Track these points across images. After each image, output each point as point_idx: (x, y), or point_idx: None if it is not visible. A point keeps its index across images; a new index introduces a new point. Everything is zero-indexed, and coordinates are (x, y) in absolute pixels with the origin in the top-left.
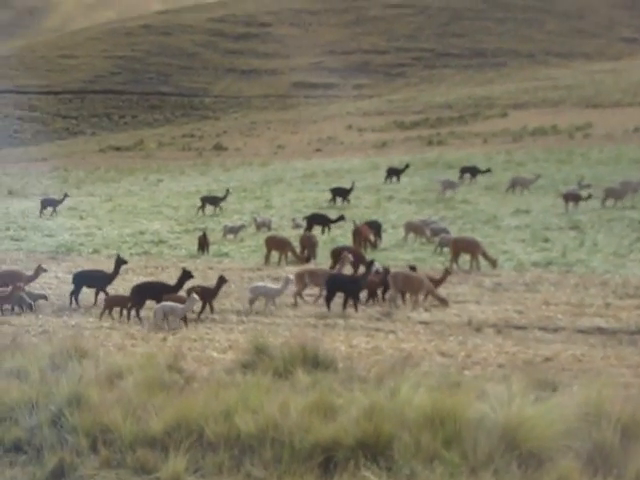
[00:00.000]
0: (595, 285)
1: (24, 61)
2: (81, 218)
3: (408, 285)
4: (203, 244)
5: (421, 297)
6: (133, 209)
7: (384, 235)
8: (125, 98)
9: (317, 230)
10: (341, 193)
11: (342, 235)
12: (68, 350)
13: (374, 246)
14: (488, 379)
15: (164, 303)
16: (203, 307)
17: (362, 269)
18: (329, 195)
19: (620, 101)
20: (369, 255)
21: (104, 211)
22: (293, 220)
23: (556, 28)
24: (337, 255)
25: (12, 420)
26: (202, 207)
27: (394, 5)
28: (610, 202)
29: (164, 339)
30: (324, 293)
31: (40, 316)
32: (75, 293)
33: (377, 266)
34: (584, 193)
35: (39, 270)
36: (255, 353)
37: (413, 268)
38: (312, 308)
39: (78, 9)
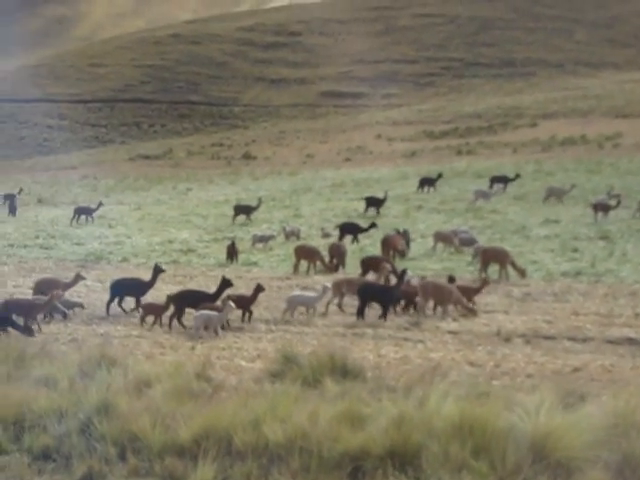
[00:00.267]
0: (624, 295)
1: (54, 70)
2: (110, 226)
3: (437, 295)
4: (232, 253)
5: (450, 307)
6: (162, 218)
7: (413, 245)
8: (154, 107)
9: (346, 239)
10: (374, 203)
11: (371, 245)
12: (97, 358)
13: (403, 255)
14: (517, 389)
15: (203, 311)
16: (243, 315)
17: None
18: (357, 204)
19: None
20: (398, 265)
21: (133, 219)
22: (322, 229)
23: (585, 38)
24: (367, 264)
25: (41, 428)
26: (235, 216)
27: (424, 15)
28: None
29: (193, 348)
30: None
31: (69, 324)
32: (112, 301)
33: (410, 275)
34: (613, 202)
35: (78, 278)
36: (284, 362)
37: (452, 279)
38: (341, 317)
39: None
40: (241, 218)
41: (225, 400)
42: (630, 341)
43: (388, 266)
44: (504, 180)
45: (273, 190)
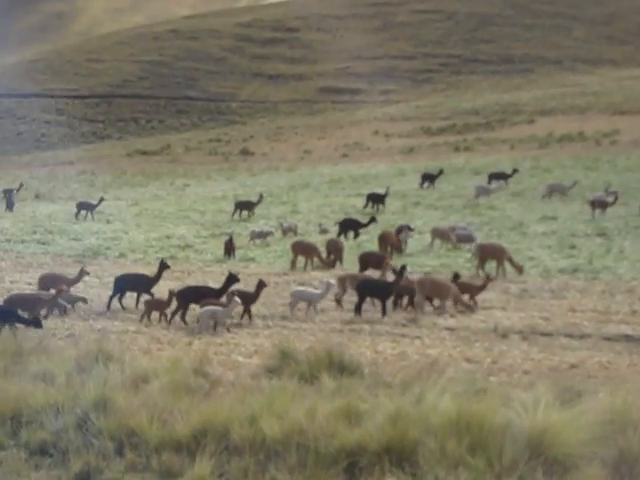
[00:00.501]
0: (621, 292)
1: (51, 65)
2: (108, 222)
3: (435, 291)
4: (229, 249)
5: (448, 303)
6: (159, 213)
7: (410, 241)
8: (152, 102)
9: (345, 235)
10: (376, 199)
11: (369, 241)
12: (94, 354)
13: (400, 251)
14: (514, 385)
15: (208, 307)
16: (244, 312)
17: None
18: (354, 200)
19: None
20: (395, 261)
21: (131, 215)
22: (319, 225)
23: (584, 34)
24: (365, 260)
25: (38, 423)
26: (236, 212)
27: (422, 11)
28: None
29: (190, 343)
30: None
31: (66, 320)
32: (114, 295)
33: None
34: (610, 199)
35: (82, 273)
36: (281, 358)
37: (457, 276)
38: (338, 313)
39: (106, 13)
40: (242, 214)
41: (222, 396)
42: (627, 338)
43: (392, 263)
44: (503, 176)
45: (270, 186)
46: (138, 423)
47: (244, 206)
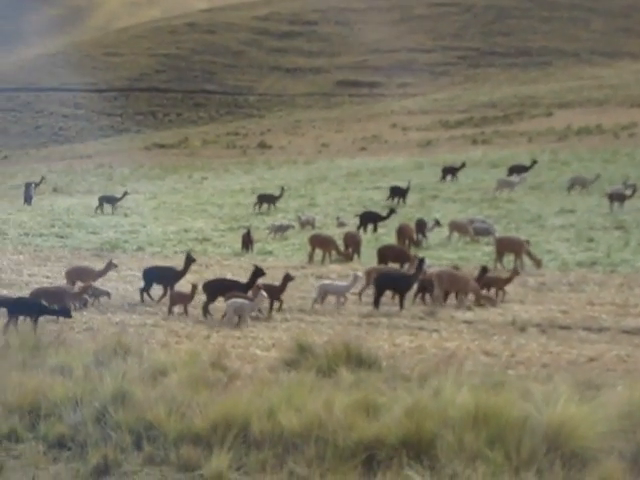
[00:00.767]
0: None
1: (69, 59)
2: (125, 215)
3: (453, 284)
4: (247, 242)
5: (469, 296)
6: (177, 207)
7: (428, 234)
8: (170, 96)
9: (361, 228)
10: (399, 192)
11: (386, 234)
12: (112, 347)
13: (417, 244)
14: (532, 379)
15: (234, 300)
16: (271, 305)
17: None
18: (372, 193)
19: None
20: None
21: (148, 208)
22: (337, 218)
23: (602, 27)
24: (383, 254)
25: (56, 416)
26: (259, 205)
27: (439, 4)
28: None
29: (208, 337)
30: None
31: (84, 313)
32: (146, 289)
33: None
34: (629, 192)
35: (110, 265)
36: (299, 351)
37: (485, 269)
38: (356, 307)
39: (123, 7)
40: (263, 207)
41: (240, 389)
42: None
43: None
44: (523, 169)
45: (288, 179)
46: (156, 416)
47: (266, 199)
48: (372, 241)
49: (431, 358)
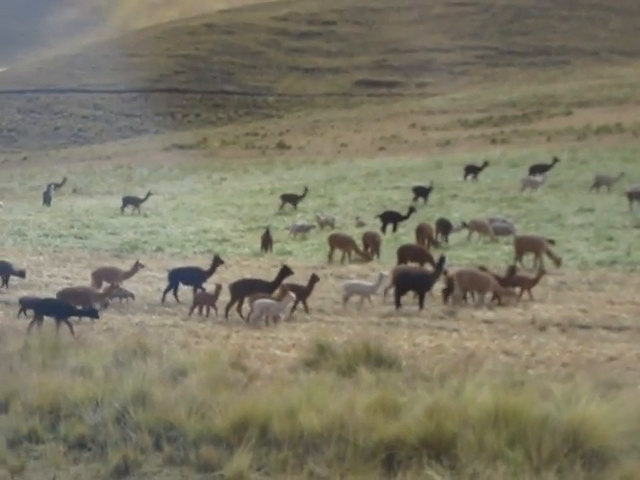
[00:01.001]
0: None
1: (88, 60)
2: (145, 216)
3: (474, 284)
4: (266, 242)
5: (488, 296)
6: (196, 207)
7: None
8: (189, 97)
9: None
10: (422, 192)
11: (405, 234)
12: (132, 347)
13: (436, 244)
14: (552, 378)
15: (262, 300)
16: (295, 305)
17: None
18: (391, 193)
19: None
20: (433, 254)
21: (168, 209)
22: (356, 218)
23: (620, 26)
24: (403, 254)
25: (76, 417)
26: (282, 204)
27: (458, 3)
28: None
29: (227, 337)
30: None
31: (104, 314)
32: (169, 289)
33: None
34: None
35: (137, 266)
36: (318, 351)
37: (513, 269)
38: (376, 307)
39: (142, 8)
40: (285, 207)
41: (260, 389)
42: None
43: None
44: (545, 168)
45: (307, 179)
46: (176, 417)
47: (290, 199)
48: (391, 241)
49: (451, 358)
